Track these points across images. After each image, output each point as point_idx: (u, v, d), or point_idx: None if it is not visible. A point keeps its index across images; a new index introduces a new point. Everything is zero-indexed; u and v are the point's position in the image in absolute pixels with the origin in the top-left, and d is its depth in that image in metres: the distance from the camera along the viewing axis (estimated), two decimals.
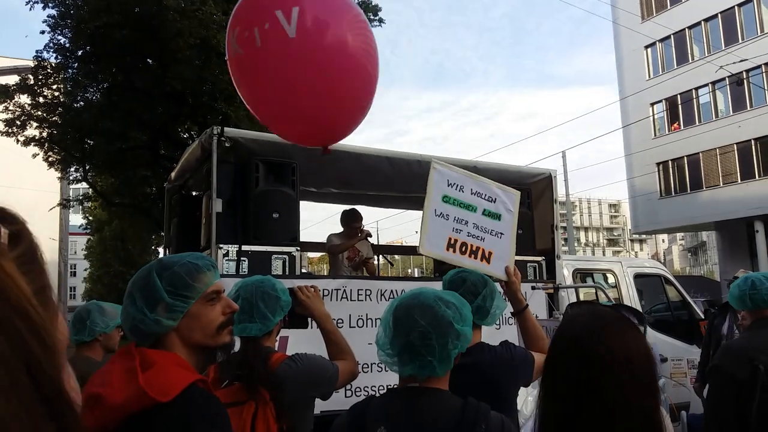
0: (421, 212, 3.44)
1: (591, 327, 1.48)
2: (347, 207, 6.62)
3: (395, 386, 1.90)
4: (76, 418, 0.60)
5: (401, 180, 5.87)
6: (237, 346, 2.45)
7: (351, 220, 6.35)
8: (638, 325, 2.10)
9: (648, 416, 1.38)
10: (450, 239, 3.41)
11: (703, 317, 7.57)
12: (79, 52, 14.91)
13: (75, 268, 59.13)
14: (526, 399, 4.42)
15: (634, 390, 1.37)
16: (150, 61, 14.70)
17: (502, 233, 3.49)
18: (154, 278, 1.65)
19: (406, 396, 1.84)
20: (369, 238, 6.52)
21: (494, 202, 3.58)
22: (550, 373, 1.51)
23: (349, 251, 6.26)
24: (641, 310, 6.96)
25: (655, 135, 30.84)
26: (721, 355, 3.00)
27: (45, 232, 33.36)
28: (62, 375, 0.59)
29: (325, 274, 6.60)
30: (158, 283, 1.64)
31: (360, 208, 6.60)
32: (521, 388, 3.36)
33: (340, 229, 6.44)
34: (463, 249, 3.43)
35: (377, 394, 2.14)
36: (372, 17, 16.14)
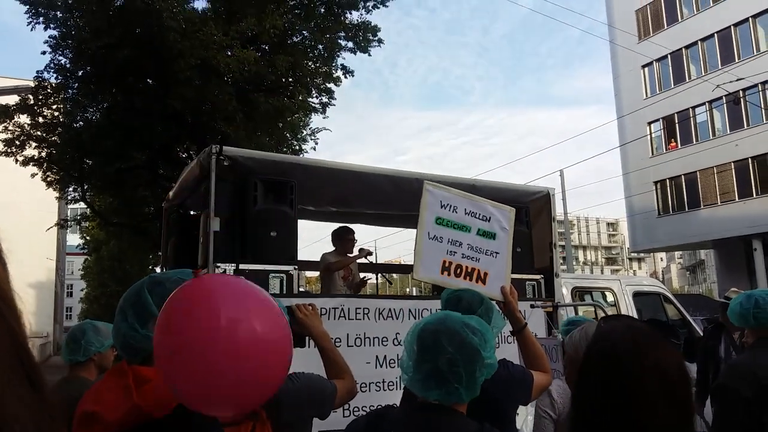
0: (416, 234, 3.43)
1: (630, 339, 1.46)
2: (344, 225, 6.64)
3: (415, 402, 1.89)
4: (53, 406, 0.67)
5: (400, 198, 5.87)
6: None
7: (344, 233, 6.37)
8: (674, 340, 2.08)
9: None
10: (444, 262, 3.40)
11: (702, 335, 7.54)
12: (80, 73, 14.96)
13: (72, 288, 59.01)
14: (526, 418, 4.39)
15: (667, 406, 1.35)
16: (150, 81, 14.78)
17: (497, 252, 3.48)
18: (146, 294, 1.65)
19: (425, 413, 1.83)
20: (368, 257, 6.53)
21: (489, 221, 3.57)
22: (584, 383, 1.49)
23: (344, 270, 6.26)
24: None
25: (652, 154, 30.97)
26: (727, 374, 2.97)
27: (42, 252, 33.31)
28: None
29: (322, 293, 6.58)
30: (149, 299, 1.65)
31: (358, 226, 6.62)
32: (521, 407, 3.33)
33: (332, 248, 6.45)
34: (458, 271, 3.42)
35: (385, 406, 2.14)
36: (371, 37, 16.25)
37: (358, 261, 6.50)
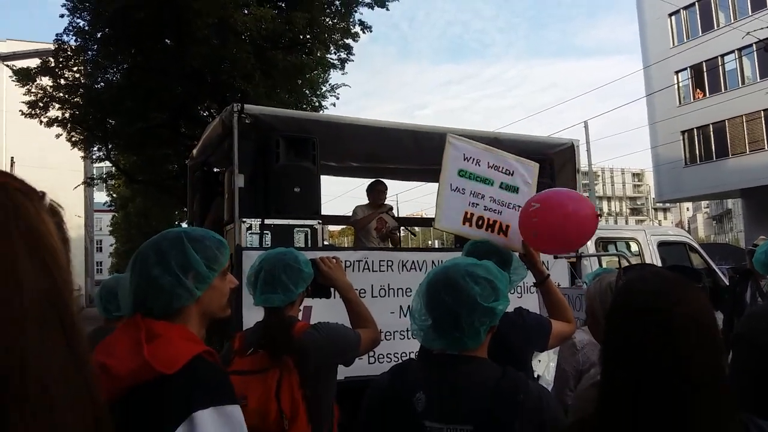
0: (438, 186, 3.45)
1: (657, 288, 1.43)
2: (368, 180, 6.68)
3: (434, 352, 1.90)
4: (87, 352, 0.70)
5: (422, 153, 5.88)
6: (262, 316, 2.52)
7: (375, 185, 6.46)
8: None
9: (717, 375, 1.37)
10: (466, 213, 3.42)
11: (728, 284, 7.51)
12: (98, 35, 14.95)
13: (101, 244, 60.19)
14: (548, 365, 4.46)
15: (703, 349, 1.35)
16: (168, 41, 14.73)
17: (519, 206, 3.48)
18: (188, 248, 1.68)
19: (445, 363, 1.84)
20: (390, 212, 6.59)
21: (512, 175, 3.57)
22: (613, 337, 1.45)
23: (377, 222, 6.33)
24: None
25: (680, 103, 30.30)
26: (746, 323, 2.97)
27: (71, 209, 33.87)
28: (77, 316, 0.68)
29: (346, 246, 6.67)
30: (193, 253, 1.68)
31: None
32: (543, 354, 3.38)
33: (363, 201, 6.53)
34: (480, 223, 3.43)
35: (399, 361, 2.15)
36: None
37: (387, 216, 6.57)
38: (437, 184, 3.49)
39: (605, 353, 1.46)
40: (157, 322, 1.59)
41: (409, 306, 4.74)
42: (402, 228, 7.51)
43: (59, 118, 16.13)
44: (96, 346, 1.54)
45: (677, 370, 1.31)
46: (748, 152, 27.54)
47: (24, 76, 15.47)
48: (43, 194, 0.71)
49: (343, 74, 17.16)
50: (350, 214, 6.60)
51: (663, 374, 1.32)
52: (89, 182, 22.95)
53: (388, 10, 16.35)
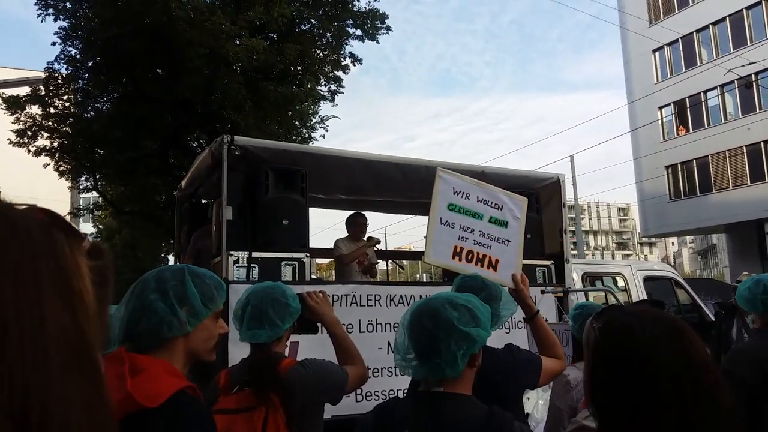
0: (428, 219, 3.45)
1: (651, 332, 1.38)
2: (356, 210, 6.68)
3: (419, 389, 1.90)
4: (108, 396, 0.71)
5: (409, 186, 5.90)
6: (248, 352, 2.48)
7: (355, 217, 6.44)
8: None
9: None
10: (456, 247, 3.42)
11: (713, 320, 7.54)
12: (90, 63, 15.00)
13: None
14: (537, 402, 4.43)
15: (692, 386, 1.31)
16: (160, 71, 14.81)
17: (509, 240, 3.49)
18: (189, 281, 1.71)
19: (430, 401, 1.83)
20: (377, 245, 6.57)
21: (501, 209, 3.59)
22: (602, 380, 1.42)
23: (360, 256, 6.31)
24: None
25: (663, 138, 30.74)
26: (732, 360, 2.96)
27: None
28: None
29: (334, 280, 6.62)
30: (192, 286, 1.71)
31: (369, 214, 6.65)
32: (532, 392, 3.35)
33: (345, 234, 6.50)
34: (469, 257, 3.44)
35: (387, 399, 2.13)
36: (379, 25, 16.20)
37: (368, 249, 6.54)
38: (425, 217, 3.50)
39: (594, 397, 1.44)
40: (141, 356, 1.59)
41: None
42: (390, 261, 7.49)
43: (47, 147, 16.07)
44: None
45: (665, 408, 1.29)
46: (731, 187, 27.90)
47: (13, 104, 15.44)
48: (84, 236, 0.71)
49: (333, 105, 17.31)
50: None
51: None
52: (75, 213, 22.78)
53: (378, 43, 16.60)
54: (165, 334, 1.66)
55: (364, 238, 6.45)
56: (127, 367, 1.51)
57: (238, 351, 2.81)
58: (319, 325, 2.77)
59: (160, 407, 1.43)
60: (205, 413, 1.57)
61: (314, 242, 5.92)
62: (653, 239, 77.14)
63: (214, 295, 1.75)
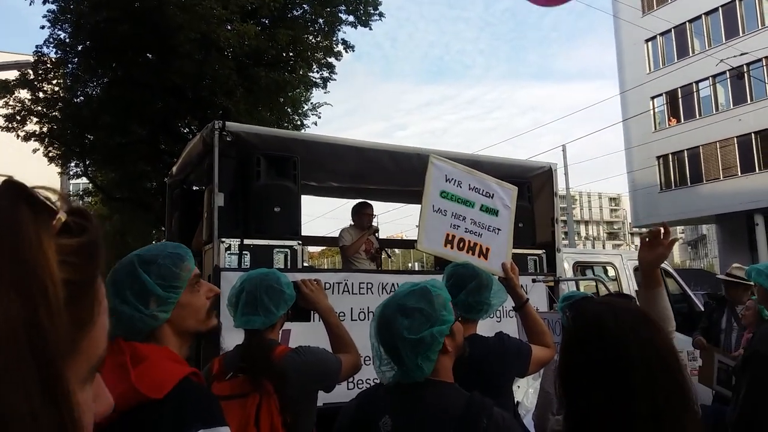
0: (420, 206, 3.45)
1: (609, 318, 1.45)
2: (349, 201, 6.67)
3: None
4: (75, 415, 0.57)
5: (401, 174, 5.89)
6: (242, 339, 2.48)
7: (361, 208, 6.42)
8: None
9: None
10: (448, 235, 3.43)
11: (703, 310, 7.60)
12: (79, 47, 14.85)
13: None
14: (527, 391, 4.46)
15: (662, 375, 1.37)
16: (150, 55, 14.67)
17: (499, 229, 3.49)
18: (141, 273, 1.62)
19: (412, 388, 1.84)
20: (376, 234, 6.58)
21: (492, 197, 3.59)
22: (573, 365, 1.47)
23: (366, 244, 6.30)
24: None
25: (655, 128, 30.82)
26: (761, 340, 2.94)
27: None
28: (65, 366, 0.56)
29: (326, 268, 6.63)
30: (147, 278, 1.62)
31: (360, 202, 6.64)
32: (522, 380, 3.37)
33: (347, 224, 6.49)
34: (461, 245, 3.44)
35: (373, 386, 2.14)
36: (372, 11, 16.11)
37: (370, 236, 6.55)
38: (416, 205, 3.51)
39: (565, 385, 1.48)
40: (142, 344, 1.56)
41: None
42: (382, 250, 7.50)
43: (37, 132, 15.93)
44: None
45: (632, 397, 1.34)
46: (721, 178, 28.05)
47: (1, 89, 15.28)
48: (56, 211, 0.61)
49: (325, 93, 17.23)
50: (330, 234, 6.57)
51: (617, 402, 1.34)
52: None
53: (371, 29, 16.51)
54: (143, 329, 1.61)
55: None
56: (128, 356, 1.49)
57: (232, 338, 2.80)
58: (312, 313, 2.77)
59: (165, 398, 1.42)
60: (211, 399, 1.56)
61: (306, 230, 5.91)
62: (643, 229, 77.57)
63: (174, 272, 1.66)
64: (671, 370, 1.37)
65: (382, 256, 7.18)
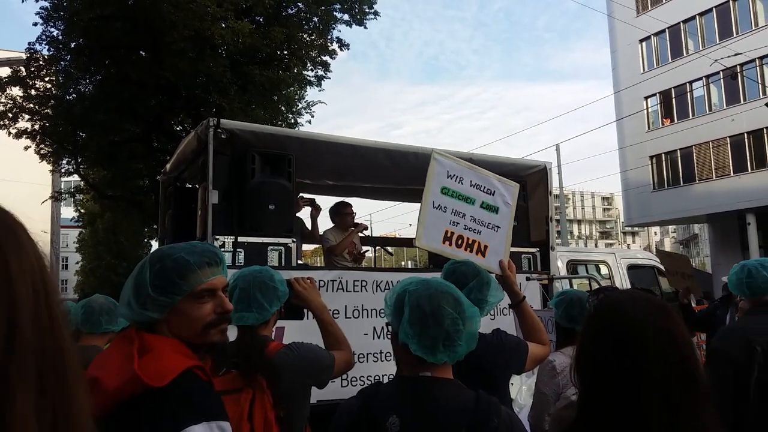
0: (417, 204, 3.43)
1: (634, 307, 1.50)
2: (340, 199, 6.64)
3: (404, 374, 1.88)
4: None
5: (397, 172, 5.88)
6: (234, 336, 2.47)
7: (341, 208, 6.37)
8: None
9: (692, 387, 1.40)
10: (447, 232, 3.40)
11: (708, 306, 7.63)
12: (72, 45, 14.79)
13: (66, 261, 58.52)
14: (521, 388, 4.45)
15: (675, 360, 1.40)
16: (143, 53, 14.62)
17: (498, 226, 3.48)
18: (146, 270, 1.64)
19: (418, 386, 1.81)
20: (364, 232, 6.54)
21: (493, 194, 3.57)
22: (590, 350, 1.52)
23: (348, 245, 6.27)
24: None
25: (648, 128, 30.91)
26: (719, 338, 3.06)
27: (37, 225, 33.14)
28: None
29: (321, 265, 6.61)
30: (147, 277, 1.63)
31: (356, 200, 6.63)
32: (516, 377, 3.36)
33: (330, 224, 6.44)
34: (459, 242, 3.42)
35: (373, 384, 2.10)
36: (367, 9, 16.09)
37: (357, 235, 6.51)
38: (412, 204, 3.49)
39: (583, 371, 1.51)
40: (151, 335, 1.58)
41: (382, 327, 4.70)
42: (378, 248, 7.48)
43: (28, 130, 15.84)
44: (92, 361, 1.54)
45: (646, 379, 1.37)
46: (714, 178, 28.14)
47: None
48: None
49: (320, 91, 17.22)
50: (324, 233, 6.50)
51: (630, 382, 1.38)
52: (56, 197, 22.48)
53: (366, 28, 16.50)
54: (139, 321, 1.64)
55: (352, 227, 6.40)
56: (136, 346, 1.50)
57: None
58: (305, 311, 2.76)
59: (166, 387, 1.42)
60: (212, 393, 1.55)
61: None
62: (636, 228, 77.96)
63: (172, 280, 1.63)
64: (685, 360, 1.40)
65: (377, 255, 7.16)
